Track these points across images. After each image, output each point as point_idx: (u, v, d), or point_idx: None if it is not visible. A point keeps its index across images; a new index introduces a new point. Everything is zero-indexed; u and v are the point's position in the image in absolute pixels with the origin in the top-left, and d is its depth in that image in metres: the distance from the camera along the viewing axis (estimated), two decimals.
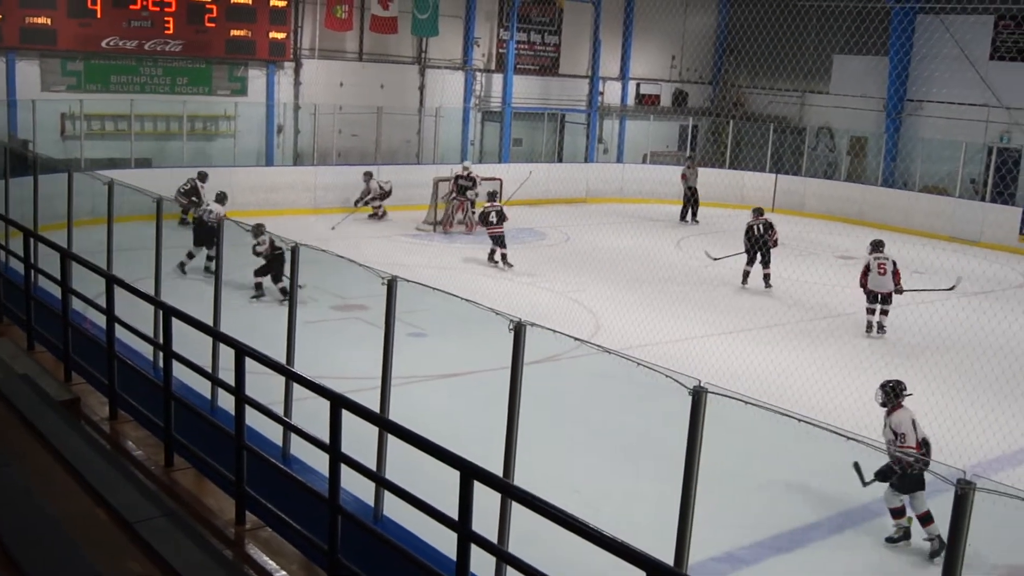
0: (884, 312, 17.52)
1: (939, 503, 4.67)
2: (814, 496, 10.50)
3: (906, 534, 9.62)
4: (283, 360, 8.94)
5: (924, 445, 9.79)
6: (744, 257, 20.79)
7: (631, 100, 35.77)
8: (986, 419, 13.06)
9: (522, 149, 33.13)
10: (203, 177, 22.00)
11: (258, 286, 17.23)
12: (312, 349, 12.79)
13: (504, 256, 21.25)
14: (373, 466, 7.67)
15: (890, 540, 9.65)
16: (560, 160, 33.66)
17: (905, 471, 9.31)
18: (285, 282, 16.26)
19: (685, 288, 19.42)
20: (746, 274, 20.69)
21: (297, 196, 26.13)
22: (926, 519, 9.33)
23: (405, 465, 6.78)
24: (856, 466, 9.62)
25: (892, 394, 10.04)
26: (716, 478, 7.75)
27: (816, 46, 32.69)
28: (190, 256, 18.64)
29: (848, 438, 5.27)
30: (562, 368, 13.19)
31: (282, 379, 8.39)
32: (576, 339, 7.38)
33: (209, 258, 18.43)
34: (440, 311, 14.88)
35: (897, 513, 9.66)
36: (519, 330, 6.74)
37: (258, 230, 16.42)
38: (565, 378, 13.27)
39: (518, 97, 32.22)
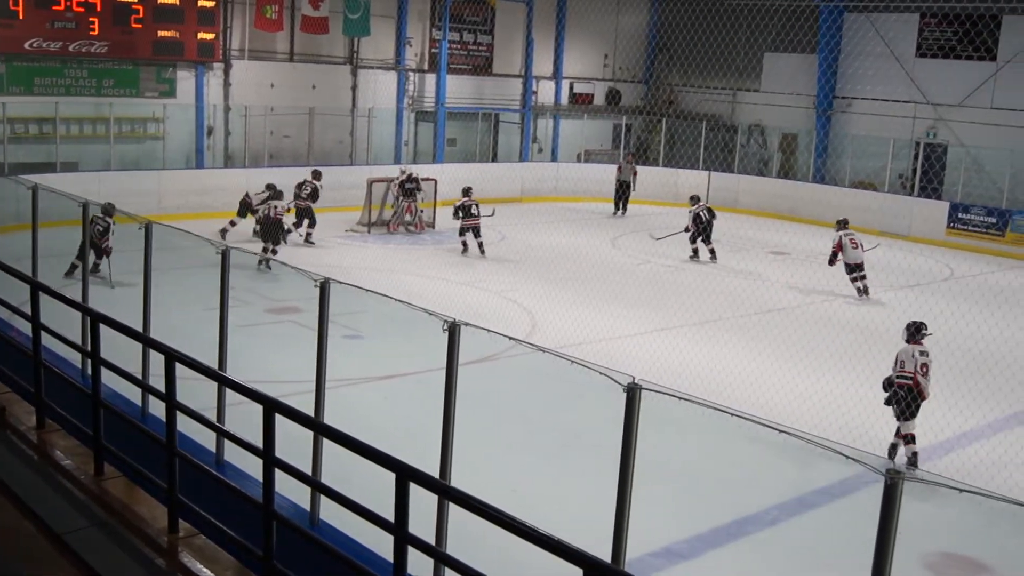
0: (863, 277, 20.11)
1: (870, 494, 4.76)
2: (750, 489, 10.63)
3: (913, 461, 11.24)
4: (215, 365, 8.84)
5: (914, 379, 11.59)
6: (687, 237, 23.18)
7: (565, 99, 35.92)
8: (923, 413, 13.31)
9: (456, 149, 33.11)
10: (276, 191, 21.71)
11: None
12: (245, 353, 12.66)
13: (481, 244, 22.39)
14: (309, 470, 7.63)
15: (910, 462, 11.25)
16: (495, 160, 33.69)
17: (899, 396, 11.50)
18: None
19: (621, 285, 19.54)
20: (696, 250, 22.99)
21: (229, 198, 25.79)
22: (908, 440, 11.46)
23: (341, 469, 6.75)
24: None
25: (910, 331, 12.04)
26: (653, 474, 7.81)
27: (747, 44, 33.12)
28: (273, 251, 19.65)
29: (780, 431, 5.33)
30: (499, 368, 13.19)
31: (215, 384, 8.30)
32: (510, 338, 7.40)
33: (274, 252, 19.73)
34: (375, 313, 14.91)
35: (906, 439, 11.51)
36: (453, 330, 6.75)
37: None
38: (502, 377, 13.27)
39: (452, 97, 32.20)
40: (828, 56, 32.31)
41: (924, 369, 11.74)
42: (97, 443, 7.46)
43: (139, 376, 8.37)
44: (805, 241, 26.52)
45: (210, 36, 26.58)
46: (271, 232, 20.40)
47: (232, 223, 22.53)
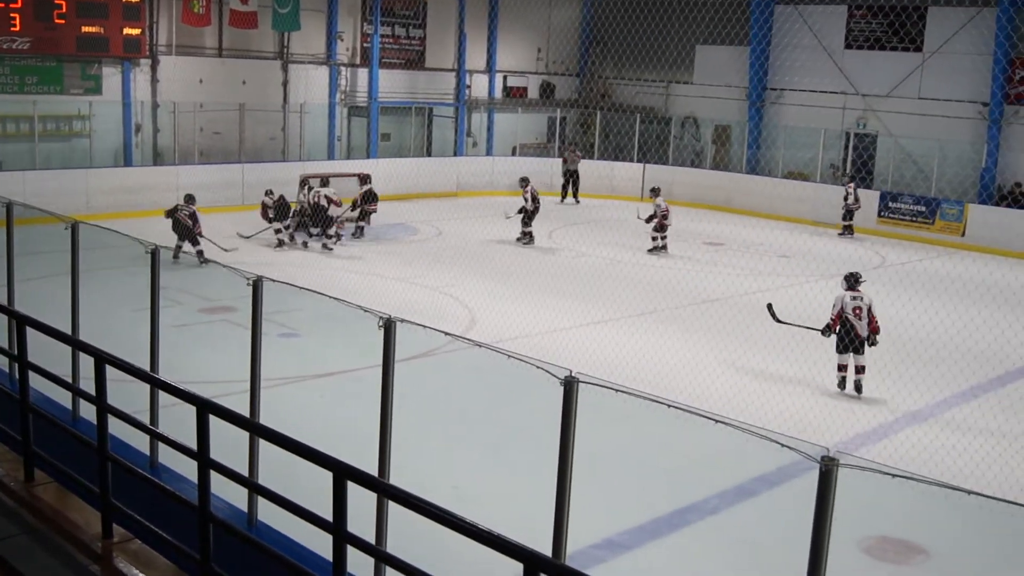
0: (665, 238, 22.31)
1: (808, 480, 4.84)
2: (689, 480, 10.73)
3: (842, 383, 13.75)
4: (147, 367, 8.72)
5: (844, 322, 13.71)
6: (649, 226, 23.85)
7: (499, 93, 35.93)
8: (848, 397, 13.55)
9: (390, 144, 32.97)
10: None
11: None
12: (179, 354, 12.50)
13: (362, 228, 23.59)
14: (245, 472, 7.55)
15: (839, 387, 13.77)
16: (429, 154, 33.61)
17: (832, 333, 13.81)
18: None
19: (558, 279, 19.60)
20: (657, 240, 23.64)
21: (159, 197, 25.39)
22: (859, 371, 13.69)
23: (279, 469, 6.69)
24: (769, 307, 15.19)
25: (847, 280, 14.11)
26: (593, 466, 7.85)
27: (679, 37, 33.37)
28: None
29: (717, 421, 5.38)
30: (437, 364, 13.17)
31: (147, 386, 8.18)
32: (446, 334, 7.39)
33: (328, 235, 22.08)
34: (311, 311, 14.83)
35: (839, 367, 13.81)
36: (389, 327, 6.70)
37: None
38: (440, 374, 13.25)
39: (384, 91, 32.06)
40: (759, 48, 32.69)
41: (857, 312, 13.76)
42: (27, 448, 7.32)
43: (69, 379, 8.22)
44: (740, 231, 26.83)
45: (136, 31, 26.17)
46: (320, 218, 22.25)
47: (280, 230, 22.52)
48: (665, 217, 23.13)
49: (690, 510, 10.09)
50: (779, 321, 15.09)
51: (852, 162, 30.16)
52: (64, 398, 9.39)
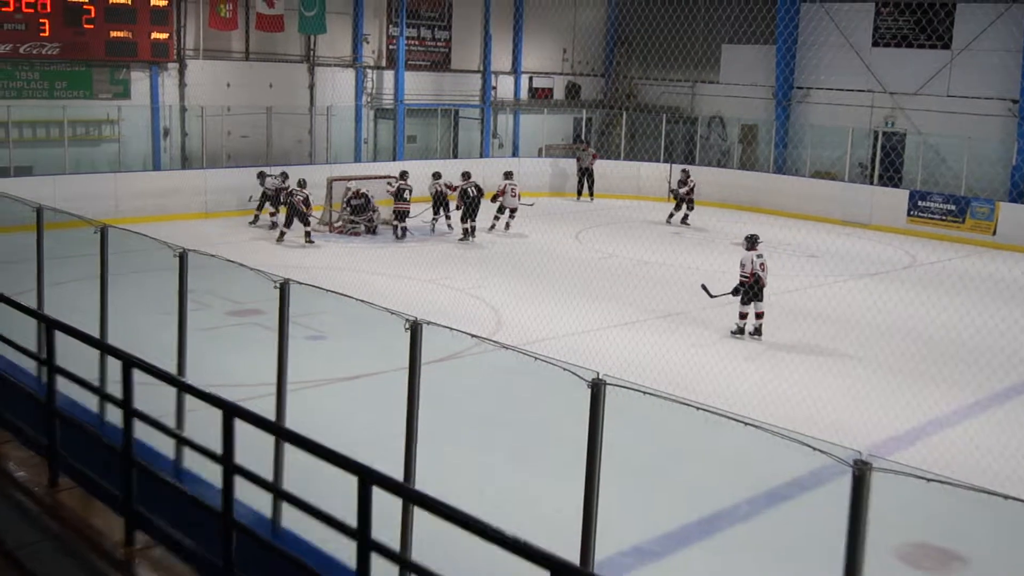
0: (512, 218, 25.49)
1: (838, 486, 4.71)
2: (719, 484, 10.59)
3: (740, 331, 16.10)
4: (175, 370, 8.69)
5: (754, 276, 16.04)
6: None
7: (524, 94, 35.86)
8: (880, 399, 13.37)
9: (416, 146, 32.95)
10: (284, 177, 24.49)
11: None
12: (206, 357, 12.50)
13: (405, 229, 24.23)
14: (270, 477, 7.49)
15: (732, 332, 16.17)
16: (455, 156, 33.56)
17: (744, 288, 16.08)
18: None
19: (585, 280, 19.49)
20: (671, 215, 27.01)
21: (188, 200, 25.55)
22: (759, 316, 16.09)
23: (304, 474, 6.63)
24: (703, 287, 16.96)
25: (748, 242, 16.51)
26: (621, 471, 7.75)
27: (705, 36, 33.20)
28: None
29: (747, 424, 5.28)
30: (464, 366, 13.11)
31: (174, 390, 8.15)
32: (472, 336, 7.31)
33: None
34: (338, 313, 14.78)
35: (741, 316, 16.18)
36: (415, 329, 6.65)
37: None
38: (467, 376, 13.19)
39: (410, 93, 32.04)
40: (786, 46, 32.45)
41: (763, 267, 16.20)
42: (52, 453, 7.29)
43: (96, 383, 8.20)
44: (767, 231, 26.59)
45: (164, 36, 26.26)
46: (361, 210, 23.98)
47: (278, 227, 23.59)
48: (691, 192, 26.61)
49: (720, 516, 9.95)
50: (712, 296, 16.90)
51: (880, 161, 29.88)
52: (91, 402, 9.37)
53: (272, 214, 24.63)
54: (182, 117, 27.50)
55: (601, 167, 32.12)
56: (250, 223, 24.89)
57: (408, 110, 32.01)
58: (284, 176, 24.73)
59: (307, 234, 22.99)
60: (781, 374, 14.03)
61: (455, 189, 24.93)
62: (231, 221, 25.02)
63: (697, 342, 15.68)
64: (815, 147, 31.43)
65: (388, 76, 31.97)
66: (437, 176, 25.45)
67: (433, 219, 25.18)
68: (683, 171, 28.47)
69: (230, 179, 26.04)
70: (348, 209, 24.52)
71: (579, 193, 31.91)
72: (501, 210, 25.83)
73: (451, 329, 6.96)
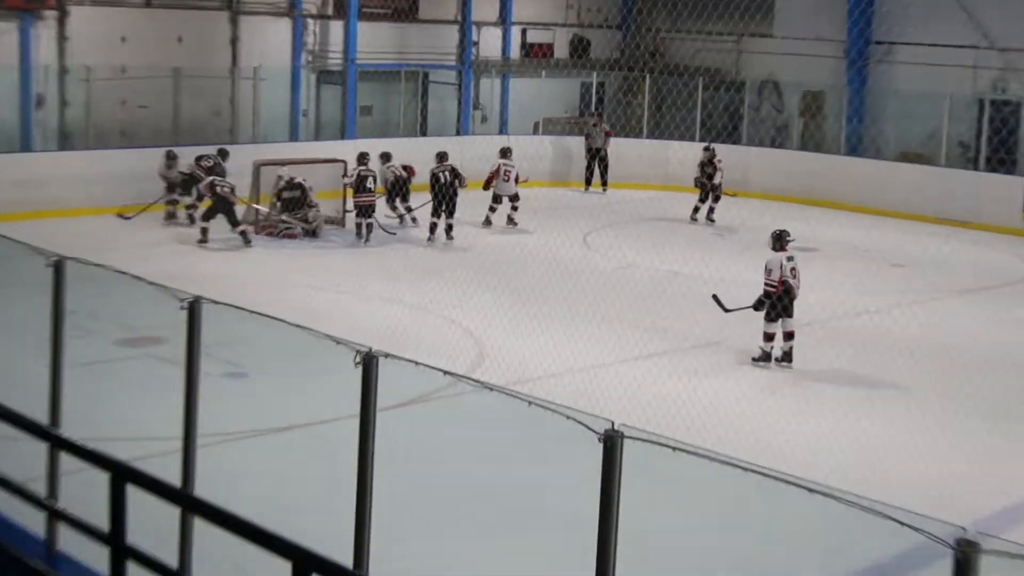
0: (516, 209, 26.24)
1: (933, 573, 4.71)
2: (771, 567, 10.58)
3: (766, 357, 16.37)
4: (46, 418, 8.67)
5: (783, 284, 16.29)
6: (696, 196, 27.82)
7: (515, 52, 35.95)
8: (985, 456, 13.37)
9: (373, 120, 33.02)
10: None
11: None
12: (89, 400, 12.46)
13: (370, 227, 24.42)
14: (175, 559, 7.46)
15: (754, 360, 16.43)
16: (424, 133, 33.63)
17: (771, 301, 16.28)
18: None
19: (595, 298, 19.47)
20: (696, 209, 27.76)
21: (67, 191, 25.45)
22: (788, 337, 16.40)
23: (222, 555, 6.62)
24: (715, 297, 17.11)
25: (775, 240, 16.79)
26: (642, 549, 7.72)
27: None
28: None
29: (811, 491, 5.27)
30: (433, 412, 13.10)
31: (44, 445, 8.13)
32: (446, 372, 7.31)
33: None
34: (265, 342, 14.75)
35: (766, 337, 16.37)
36: (369, 363, 6.68)
37: None
38: (437, 425, 13.19)
39: (365, 51, 32.07)
40: None
41: (793, 272, 16.48)
42: None
43: None
44: (837, 232, 26.69)
45: None
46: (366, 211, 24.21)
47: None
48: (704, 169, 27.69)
49: None
50: (727, 310, 17.12)
51: (988, 139, 29.98)
52: None
53: (189, 207, 24.83)
54: (61, 81, 27.51)
55: (617, 148, 32.18)
56: (166, 220, 24.96)
57: (362, 73, 32.08)
58: (223, 154, 25.28)
59: (243, 233, 23.27)
60: (852, 423, 14.02)
61: (412, 174, 25.44)
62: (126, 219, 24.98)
63: (743, 381, 15.67)
64: (901, 121, 31.57)
65: (335, 28, 32.05)
66: (386, 157, 25.88)
67: (397, 215, 25.54)
68: (706, 149, 28.63)
69: (125, 163, 25.99)
70: (279, 204, 24.54)
71: (588, 182, 32.12)
72: (497, 200, 26.03)
73: (417, 364, 6.97)
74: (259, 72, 30.04)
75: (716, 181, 27.68)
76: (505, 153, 26.72)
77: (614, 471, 5.64)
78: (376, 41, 32.64)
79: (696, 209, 27.94)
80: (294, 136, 30.98)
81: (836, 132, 33.07)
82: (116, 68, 27.72)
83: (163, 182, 25.06)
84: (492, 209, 26.08)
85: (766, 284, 16.44)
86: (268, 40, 30.90)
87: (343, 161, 25.44)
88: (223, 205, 23.13)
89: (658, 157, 32.66)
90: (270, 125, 30.59)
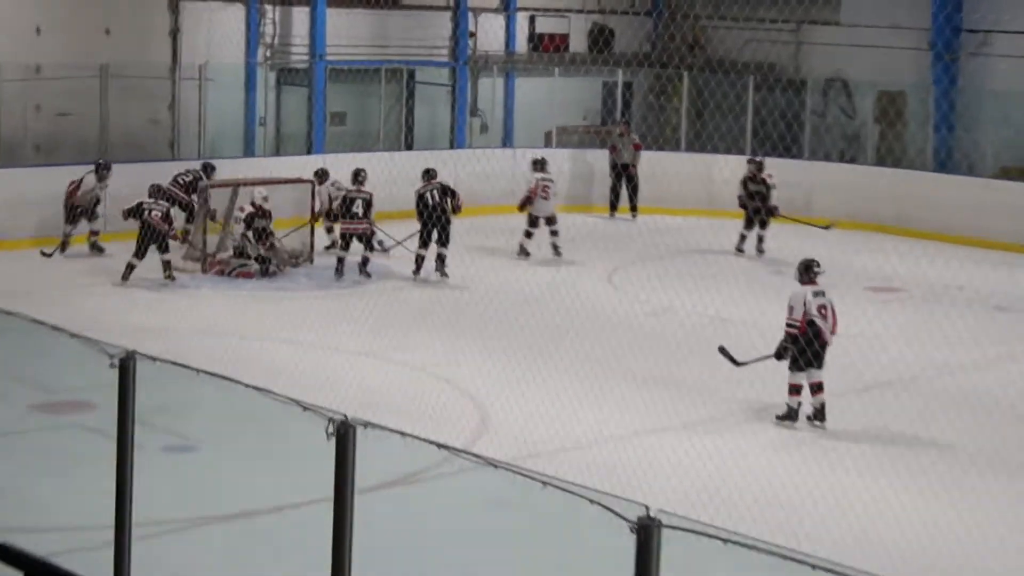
0: (555, 233, 26.73)
1: None
2: None
3: (792, 414, 16.48)
4: None
5: (811, 325, 16.39)
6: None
7: (522, 45, 36.05)
8: None
9: (346, 130, 33.09)
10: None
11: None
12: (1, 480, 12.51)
13: (366, 262, 24.71)
14: None
15: (778, 418, 16.58)
16: (409, 146, 33.72)
17: (794, 346, 16.39)
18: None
19: (622, 352, 19.49)
20: (742, 238, 28.04)
21: None
22: (816, 389, 16.47)
23: None
24: (722, 350, 17.47)
25: (801, 272, 17.06)
26: None
27: None
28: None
29: None
30: (425, 494, 13.09)
31: None
32: (442, 446, 7.32)
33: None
34: (217, 407, 14.76)
35: (792, 390, 16.53)
36: (345, 435, 6.68)
37: None
38: (430, 511, 13.18)
39: (336, 43, 32.21)
40: None
41: (822, 311, 16.54)
42: None
43: None
44: (924, 267, 26.65)
45: None
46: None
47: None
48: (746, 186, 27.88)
49: None
50: (739, 364, 17.45)
51: None
52: None
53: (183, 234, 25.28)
54: None
55: (649, 163, 32.14)
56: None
57: (332, 71, 32.22)
58: (208, 169, 26.33)
59: (166, 265, 23.30)
60: (955, 507, 14.00)
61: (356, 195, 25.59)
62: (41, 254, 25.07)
63: (808, 455, 15.66)
64: (1000, 128, 31.57)
65: (299, 16, 32.22)
66: (322, 176, 26.52)
67: (384, 246, 25.84)
68: (751, 161, 28.73)
69: (40, 184, 26.01)
70: (247, 235, 24.38)
71: (614, 206, 32.13)
72: (533, 223, 26.43)
73: (404, 435, 6.98)
74: (205, 71, 30.14)
75: (771, 203, 27.72)
76: (541, 165, 27.10)
77: (650, 569, 5.65)
78: (350, 32, 32.81)
79: (742, 238, 27.99)
80: (249, 150, 31.05)
81: (920, 142, 33.07)
82: (29, 67, 27.84)
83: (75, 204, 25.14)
84: (529, 235, 26.42)
85: (787, 325, 16.58)
86: (216, 32, 31.00)
87: (311, 180, 25.53)
88: (151, 234, 23.15)
89: (699, 174, 32.64)
90: (220, 136, 30.68)
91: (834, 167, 32.79)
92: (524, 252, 26.48)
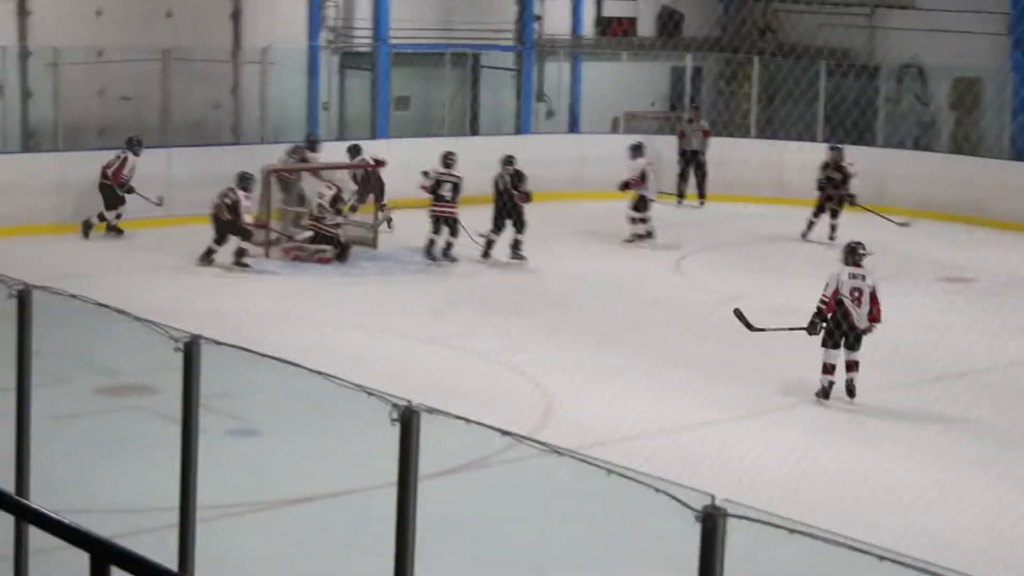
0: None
1: None
2: None
3: (823, 392, 16.94)
4: (12, 486, 8.79)
5: (839, 305, 16.85)
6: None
7: (589, 29, 35.98)
8: None
9: (410, 115, 33.08)
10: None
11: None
12: (66, 463, 12.62)
13: (450, 247, 24.91)
14: None
15: (817, 395, 17.00)
16: (474, 132, 33.72)
17: (824, 324, 16.94)
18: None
19: (691, 341, 19.48)
20: (810, 225, 28.13)
21: (32, 202, 25.67)
22: (849, 366, 16.91)
23: None
24: (738, 312, 17.91)
25: (845, 254, 17.49)
26: None
27: None
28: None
29: None
30: (489, 481, 13.14)
31: (10, 518, 8.27)
32: (504, 432, 7.37)
33: None
34: (280, 392, 14.85)
35: (826, 369, 16.95)
36: (409, 420, 6.71)
37: None
38: (493, 497, 13.26)
39: (401, 28, 32.21)
40: None
41: (856, 295, 16.90)
42: None
43: None
44: (1001, 258, 26.47)
45: None
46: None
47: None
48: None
49: None
50: (754, 329, 17.92)
51: None
52: None
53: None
54: (23, 66, 27.77)
55: (718, 150, 32.09)
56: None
57: (396, 55, 32.22)
58: (315, 144, 27.40)
59: (240, 253, 23.55)
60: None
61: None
62: (110, 237, 25.26)
63: (885, 446, 15.62)
64: None
65: (363, 0, 32.18)
66: (355, 152, 27.10)
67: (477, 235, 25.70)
68: (833, 149, 28.78)
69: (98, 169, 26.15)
70: (331, 221, 24.60)
71: (681, 194, 32.24)
72: (643, 206, 26.99)
73: (468, 421, 7.01)
74: (268, 54, 30.23)
75: (850, 191, 27.75)
76: (640, 150, 27.45)
77: (715, 558, 5.64)
78: (414, 16, 32.75)
79: (810, 225, 27.97)
80: (312, 133, 31.03)
81: (997, 130, 32.84)
82: (91, 50, 27.96)
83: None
84: (642, 220, 26.85)
85: (819, 302, 17.10)
86: (279, 15, 31.04)
87: (375, 164, 25.64)
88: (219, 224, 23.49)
89: (770, 161, 32.52)
90: (282, 121, 30.76)
91: (908, 155, 32.60)
92: (648, 235, 26.86)
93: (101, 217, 25.32)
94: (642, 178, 26.57)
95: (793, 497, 12.72)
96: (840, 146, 28.77)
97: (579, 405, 16.36)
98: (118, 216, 25.48)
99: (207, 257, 23.47)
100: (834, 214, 27.64)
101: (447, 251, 24.63)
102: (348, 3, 32.19)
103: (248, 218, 23.50)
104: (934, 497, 13.69)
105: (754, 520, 5.64)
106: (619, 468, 6.27)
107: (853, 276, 17.02)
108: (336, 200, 24.48)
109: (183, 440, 7.96)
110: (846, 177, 27.59)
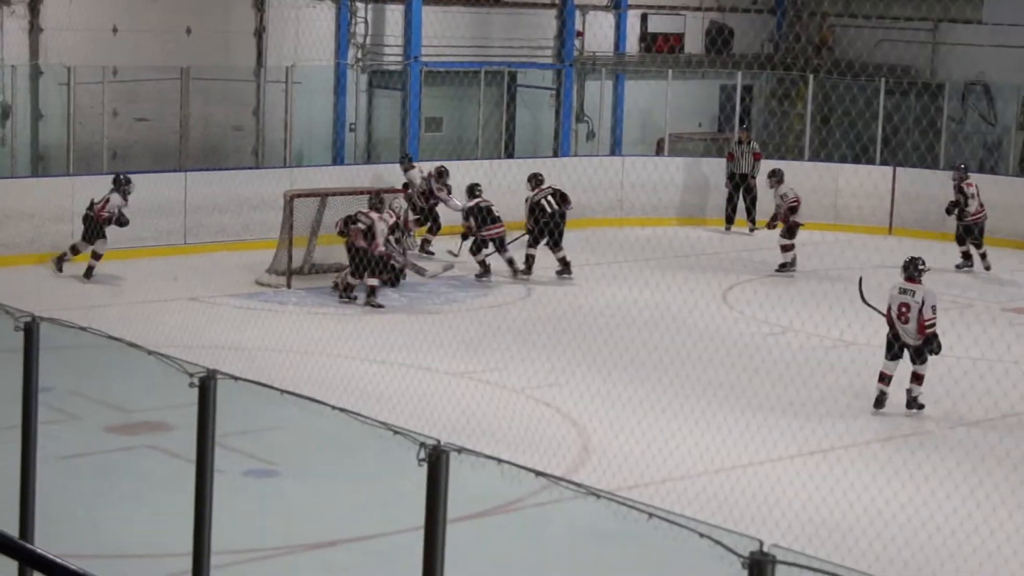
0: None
1: None
2: None
3: (878, 402, 17.98)
4: (15, 530, 8.82)
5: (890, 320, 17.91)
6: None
7: (633, 45, 36.02)
8: None
9: (442, 136, 33.13)
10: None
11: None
12: (72, 504, 12.64)
13: (512, 261, 25.72)
14: None
15: (875, 406, 18.03)
16: (510, 154, 33.76)
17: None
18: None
19: (738, 376, 19.46)
20: (964, 256, 28.10)
21: (43, 229, 25.77)
22: (912, 378, 18.00)
23: None
24: (860, 282, 19.79)
25: (903, 267, 18.25)
26: None
27: None
28: None
29: None
30: (522, 524, 13.11)
31: (14, 564, 8.29)
32: (541, 474, 7.37)
33: None
34: (301, 430, 14.89)
35: (881, 378, 18.01)
36: (437, 461, 6.71)
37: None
38: (526, 542, 13.20)
39: (433, 44, 32.29)
40: None
41: (903, 310, 17.81)
42: None
43: None
44: None
45: None
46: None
47: None
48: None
49: None
50: (865, 302, 19.41)
51: None
52: None
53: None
54: (34, 85, 27.91)
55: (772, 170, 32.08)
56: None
57: (428, 73, 32.29)
58: (406, 160, 28.66)
59: (372, 291, 23.83)
60: None
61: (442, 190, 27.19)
62: (122, 264, 25.32)
63: (949, 488, 15.54)
64: None
65: (393, 15, 32.33)
66: (407, 161, 27.68)
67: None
68: (956, 168, 28.92)
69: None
70: (397, 249, 24.67)
71: (730, 219, 32.17)
72: (778, 223, 27.92)
73: (500, 461, 7.01)
74: (293, 73, 30.31)
75: (974, 213, 28.02)
76: (781, 177, 28.60)
77: None
78: (447, 32, 32.87)
79: (964, 256, 28.38)
80: (339, 157, 31.13)
81: None
82: (105, 69, 28.06)
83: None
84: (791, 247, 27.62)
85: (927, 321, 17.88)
86: (304, 31, 31.13)
87: (403, 192, 25.74)
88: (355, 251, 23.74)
89: (825, 186, 32.42)
90: (307, 143, 30.84)
91: (973, 177, 32.47)
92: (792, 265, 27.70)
93: (74, 250, 24.95)
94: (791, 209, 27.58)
95: (846, 543, 12.69)
96: (962, 166, 28.97)
97: (618, 444, 16.34)
98: (96, 256, 24.95)
99: (347, 293, 23.96)
100: (976, 236, 27.81)
101: (512, 266, 25.63)
102: (377, 19, 32.27)
103: (381, 243, 23.45)
104: (999, 543, 13.63)
105: (804, 567, 5.64)
106: (661, 511, 6.27)
107: (903, 291, 17.95)
108: (394, 229, 24.43)
109: (197, 481, 7.97)
110: (966, 199, 27.58)
